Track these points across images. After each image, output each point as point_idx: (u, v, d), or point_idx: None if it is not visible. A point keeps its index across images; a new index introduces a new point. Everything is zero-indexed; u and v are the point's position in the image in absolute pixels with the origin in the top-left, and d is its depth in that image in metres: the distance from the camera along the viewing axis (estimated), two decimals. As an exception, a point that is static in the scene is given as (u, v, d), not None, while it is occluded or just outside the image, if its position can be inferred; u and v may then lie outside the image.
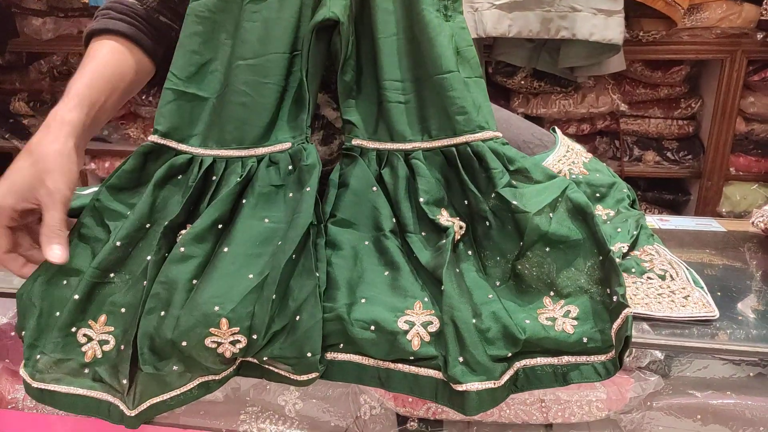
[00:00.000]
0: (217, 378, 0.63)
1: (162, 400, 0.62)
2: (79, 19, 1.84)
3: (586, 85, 1.88)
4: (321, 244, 0.67)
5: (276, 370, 0.63)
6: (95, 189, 0.90)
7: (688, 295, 0.71)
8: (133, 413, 0.62)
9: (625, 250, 0.80)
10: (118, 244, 0.67)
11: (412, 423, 0.76)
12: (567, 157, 0.94)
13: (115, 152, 2.15)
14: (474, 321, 0.60)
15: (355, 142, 0.75)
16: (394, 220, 0.70)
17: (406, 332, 0.61)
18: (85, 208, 0.73)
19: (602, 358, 0.61)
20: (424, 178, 0.72)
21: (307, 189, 0.67)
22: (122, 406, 0.62)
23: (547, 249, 0.66)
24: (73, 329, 0.64)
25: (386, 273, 0.66)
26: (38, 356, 0.64)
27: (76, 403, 0.64)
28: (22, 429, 0.85)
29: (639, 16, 1.64)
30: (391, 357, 0.61)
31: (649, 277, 0.75)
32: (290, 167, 0.71)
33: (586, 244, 0.65)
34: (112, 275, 0.66)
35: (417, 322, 0.61)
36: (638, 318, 0.67)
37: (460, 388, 0.58)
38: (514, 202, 0.67)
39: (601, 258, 0.64)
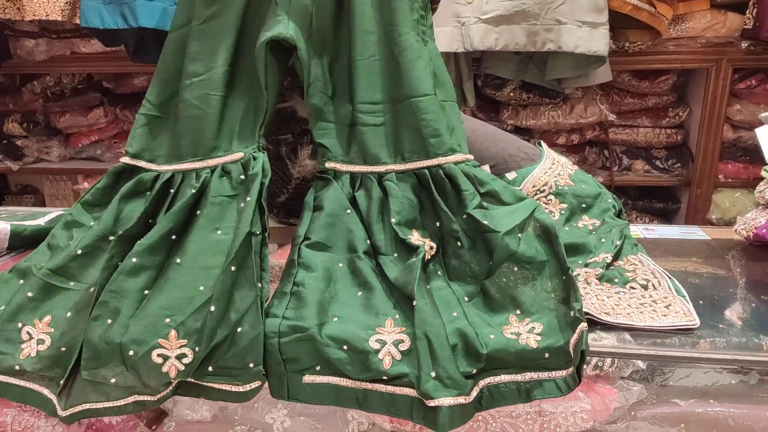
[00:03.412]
0: (153, 398, 0.64)
1: (95, 408, 0.63)
2: (71, 40, 1.85)
3: (575, 96, 1.90)
4: (266, 253, 0.68)
5: (216, 386, 0.63)
6: (52, 215, 0.95)
7: (670, 305, 0.72)
8: (65, 413, 0.63)
9: (609, 260, 0.81)
10: (79, 252, 0.70)
11: (400, 437, 0.76)
12: (552, 170, 0.95)
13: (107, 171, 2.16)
14: (448, 333, 0.61)
15: (328, 165, 0.77)
16: (368, 241, 0.72)
17: (378, 351, 0.62)
18: (59, 221, 0.77)
19: (563, 373, 0.62)
20: (397, 199, 0.73)
21: (248, 199, 0.69)
22: (56, 403, 0.64)
23: (515, 269, 0.67)
24: (19, 325, 0.66)
25: (359, 293, 0.67)
26: None
27: (15, 392, 0.66)
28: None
29: (624, 28, 1.67)
30: (365, 376, 0.62)
31: (632, 287, 0.76)
32: (242, 177, 0.73)
33: (551, 264, 0.67)
34: (71, 283, 0.68)
35: (388, 341, 0.62)
36: (620, 328, 0.67)
37: (432, 403, 0.58)
38: (485, 222, 0.69)
39: (564, 277, 0.65)
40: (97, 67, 1.96)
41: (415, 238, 0.71)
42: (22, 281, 0.70)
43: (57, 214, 1.00)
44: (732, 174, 1.94)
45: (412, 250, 0.70)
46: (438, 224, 0.73)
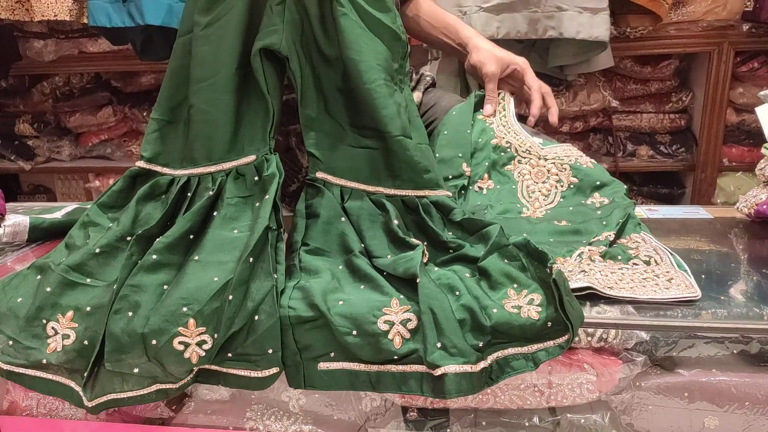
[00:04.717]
0: (174, 386, 0.67)
1: (120, 398, 0.66)
2: (79, 40, 1.88)
3: (577, 83, 1.91)
4: (281, 247, 0.71)
5: (235, 373, 0.66)
6: (68, 209, 0.98)
7: (672, 278, 0.74)
8: (90, 404, 0.66)
9: (611, 239, 0.83)
10: (97, 250, 0.72)
11: (411, 413, 0.79)
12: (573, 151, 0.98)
13: (119, 169, 2.19)
14: (453, 308, 0.64)
15: (319, 175, 0.80)
16: (362, 244, 0.75)
17: (387, 332, 0.64)
18: (76, 222, 0.80)
19: (565, 337, 0.64)
20: (393, 210, 0.78)
21: (266, 197, 0.72)
22: (82, 395, 0.67)
23: (505, 260, 0.70)
24: (44, 321, 0.69)
25: (362, 287, 0.70)
26: (5, 341, 0.69)
27: (43, 385, 0.69)
28: (36, 435, 0.88)
29: (625, 13, 1.67)
30: (378, 359, 0.65)
31: (634, 263, 0.78)
32: (255, 178, 0.77)
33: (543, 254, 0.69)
34: (88, 280, 0.71)
35: (396, 321, 0.64)
36: (623, 301, 0.70)
37: (438, 372, 0.61)
38: (479, 219, 0.75)
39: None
40: (105, 66, 1.99)
41: (412, 239, 0.75)
42: (39, 276, 0.73)
43: (73, 208, 1.03)
44: (736, 157, 1.95)
45: (408, 249, 0.73)
46: (426, 243, 0.76)
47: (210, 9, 0.79)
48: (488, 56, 1.03)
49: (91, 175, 2.22)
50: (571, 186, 0.94)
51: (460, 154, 0.96)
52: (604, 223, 0.86)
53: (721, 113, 1.86)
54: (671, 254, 0.80)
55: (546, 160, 0.96)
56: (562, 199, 0.94)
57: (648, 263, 0.78)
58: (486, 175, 0.95)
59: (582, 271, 0.75)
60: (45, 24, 1.82)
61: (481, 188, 0.95)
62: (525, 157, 0.97)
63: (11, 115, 2.19)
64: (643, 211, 1.06)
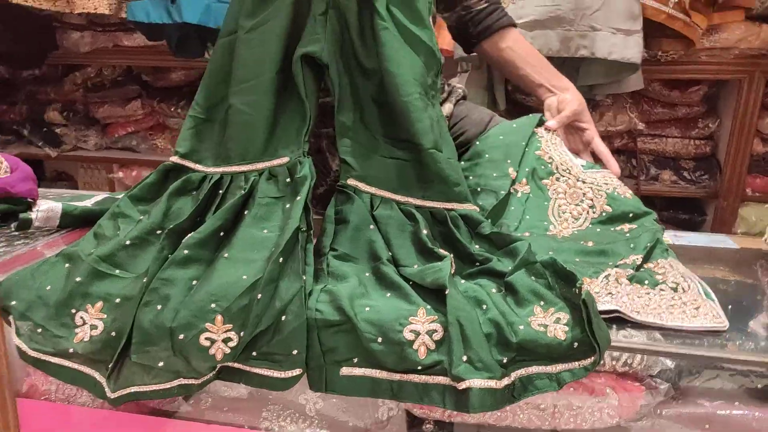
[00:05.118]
0: (197, 382, 0.67)
1: (142, 391, 0.67)
2: (116, 34, 1.92)
3: (604, 104, 1.91)
4: (310, 249, 0.72)
5: (258, 372, 0.66)
6: (98, 198, 0.99)
7: (699, 307, 0.73)
8: (113, 395, 0.66)
9: (639, 262, 0.82)
10: (127, 242, 0.73)
11: (428, 425, 0.79)
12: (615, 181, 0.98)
13: (142, 161, 2.22)
14: (480, 321, 0.64)
15: (350, 182, 0.81)
16: (389, 252, 0.75)
17: (412, 342, 0.64)
18: (107, 212, 0.81)
19: (591, 359, 0.64)
20: (423, 220, 0.78)
21: (298, 198, 0.73)
22: (105, 386, 0.67)
23: (532, 277, 0.70)
24: (73, 310, 0.69)
25: (388, 295, 0.70)
26: (34, 328, 0.70)
27: (67, 374, 0.70)
28: (53, 419, 0.89)
29: (658, 36, 1.67)
30: (401, 367, 0.65)
31: (661, 289, 0.78)
32: (288, 180, 0.78)
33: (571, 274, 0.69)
34: (117, 271, 0.71)
35: (422, 331, 0.64)
36: (650, 327, 0.69)
37: (463, 385, 0.61)
38: (508, 233, 0.75)
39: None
40: (138, 60, 2.02)
41: (440, 249, 0.75)
42: (68, 265, 0.73)
43: (103, 197, 1.05)
44: (760, 188, 1.93)
45: (436, 260, 0.73)
46: (452, 255, 0.76)
47: (255, 13, 0.80)
48: (579, 99, 1.05)
49: (115, 166, 2.25)
50: (604, 214, 0.93)
51: (509, 161, 0.96)
52: (632, 246, 0.86)
53: (747, 142, 1.84)
54: (699, 282, 0.79)
55: (584, 183, 0.96)
56: (590, 225, 0.93)
57: (675, 290, 0.77)
58: (524, 180, 0.95)
59: (609, 293, 0.74)
60: (84, 16, 1.85)
61: (516, 191, 0.95)
62: (563, 176, 0.97)
63: (42, 102, 2.23)
64: (669, 236, 1.05)
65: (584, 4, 1.48)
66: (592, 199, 0.94)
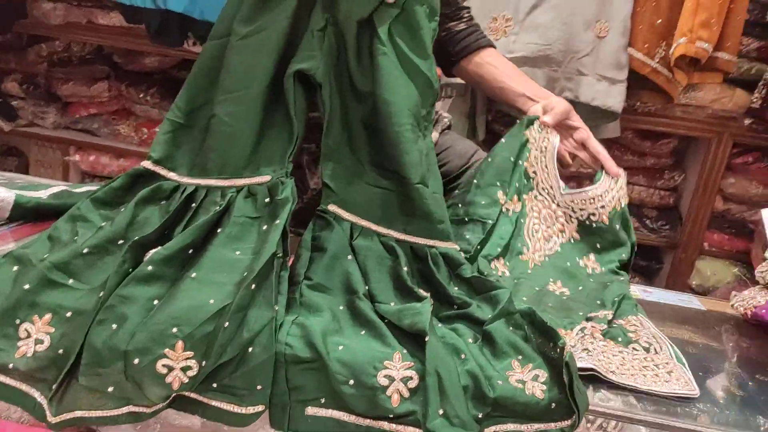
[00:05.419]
0: (148, 411, 0.62)
1: (88, 416, 0.61)
2: (91, 9, 1.83)
3: (579, 145, 1.93)
4: (284, 276, 0.68)
5: (216, 405, 0.62)
6: (54, 190, 0.91)
7: (671, 371, 0.73)
8: (54, 420, 0.60)
9: (609, 317, 0.82)
10: (85, 251, 0.67)
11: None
12: (607, 194, 0.97)
13: (101, 147, 2.11)
14: (458, 372, 0.61)
15: (331, 208, 0.77)
16: (366, 286, 0.72)
17: (386, 388, 0.61)
18: (65, 213, 0.74)
19: (567, 422, 0.62)
20: (404, 256, 0.75)
21: (277, 222, 0.69)
22: (47, 408, 0.61)
23: (511, 328, 0.69)
24: (17, 321, 0.62)
25: (363, 332, 0.67)
26: None
27: (3, 391, 0.62)
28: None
29: (639, 88, 1.71)
30: (371, 414, 0.61)
31: (634, 348, 0.77)
32: (267, 200, 0.73)
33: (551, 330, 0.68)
34: (71, 281, 0.65)
35: (396, 377, 0.61)
36: (625, 390, 0.68)
37: None
38: (491, 278, 0.73)
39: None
40: (111, 40, 1.93)
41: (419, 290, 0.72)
42: (16, 268, 0.66)
43: (59, 189, 0.97)
44: (717, 244, 2.00)
45: (415, 299, 0.70)
46: (430, 293, 0.73)
47: (251, 20, 0.76)
48: (564, 101, 1.04)
49: (72, 148, 2.14)
50: (572, 240, 0.93)
51: (498, 183, 0.93)
52: (598, 302, 0.86)
53: (710, 199, 1.90)
54: (670, 345, 0.79)
55: (558, 206, 0.95)
56: (559, 249, 0.94)
57: (647, 350, 0.77)
58: (515, 197, 0.94)
59: (585, 349, 0.73)
60: (58, -13, 1.76)
61: (508, 210, 0.93)
62: (541, 194, 0.96)
63: (1, 71, 2.10)
64: (638, 290, 1.05)
65: (574, 47, 1.49)
66: (563, 225, 0.95)
